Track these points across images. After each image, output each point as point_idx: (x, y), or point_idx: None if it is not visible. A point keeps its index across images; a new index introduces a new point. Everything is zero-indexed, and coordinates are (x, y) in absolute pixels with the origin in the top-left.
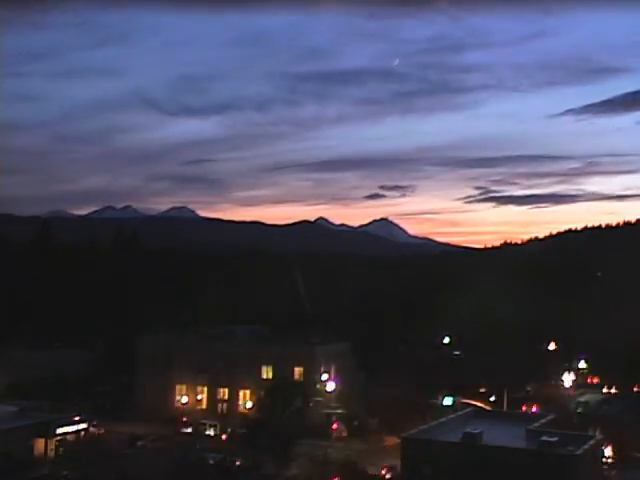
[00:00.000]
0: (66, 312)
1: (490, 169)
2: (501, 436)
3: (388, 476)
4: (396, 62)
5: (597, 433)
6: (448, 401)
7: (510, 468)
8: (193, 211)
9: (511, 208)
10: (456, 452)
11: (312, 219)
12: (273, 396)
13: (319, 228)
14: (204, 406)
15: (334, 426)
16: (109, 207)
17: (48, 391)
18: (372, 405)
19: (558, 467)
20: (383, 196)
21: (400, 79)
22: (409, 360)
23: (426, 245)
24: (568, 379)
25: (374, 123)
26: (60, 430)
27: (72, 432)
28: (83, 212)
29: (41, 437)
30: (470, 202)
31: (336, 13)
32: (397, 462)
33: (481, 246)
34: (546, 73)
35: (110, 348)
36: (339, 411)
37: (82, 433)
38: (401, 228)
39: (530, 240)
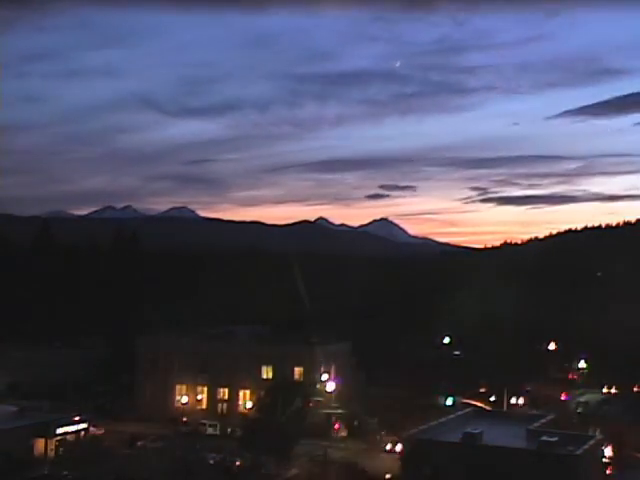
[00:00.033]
0: (66, 312)
1: (490, 170)
2: (501, 436)
3: (388, 476)
4: (397, 64)
5: (597, 433)
6: (448, 401)
7: (510, 468)
8: (193, 211)
9: (511, 208)
10: (456, 452)
11: (312, 219)
12: (273, 396)
13: (319, 228)
14: (204, 406)
15: (334, 426)
16: (109, 207)
17: (48, 391)
18: (372, 405)
19: (558, 467)
20: (383, 196)
21: (401, 80)
22: (409, 360)
23: (426, 245)
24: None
25: (374, 124)
26: (60, 430)
27: (72, 432)
28: (83, 212)
29: (41, 437)
30: (470, 202)
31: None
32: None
33: (481, 246)
34: (546, 74)
35: (110, 348)
36: (339, 411)
37: (82, 433)
38: (401, 228)
39: (530, 240)
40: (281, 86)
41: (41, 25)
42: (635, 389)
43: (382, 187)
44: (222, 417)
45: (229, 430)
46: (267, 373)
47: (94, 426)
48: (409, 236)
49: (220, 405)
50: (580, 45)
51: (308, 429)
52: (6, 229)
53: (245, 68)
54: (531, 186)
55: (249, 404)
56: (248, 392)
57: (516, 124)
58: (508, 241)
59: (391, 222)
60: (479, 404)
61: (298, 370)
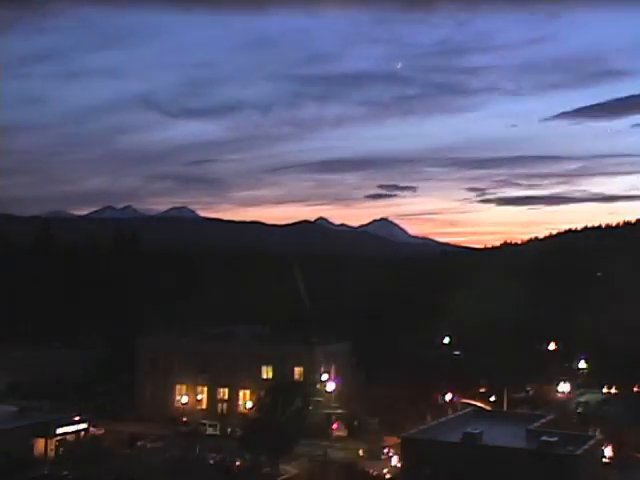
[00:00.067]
0: (66, 312)
1: (490, 170)
2: (501, 436)
3: (388, 476)
4: (399, 65)
5: (597, 433)
6: (449, 401)
7: (510, 468)
8: (193, 211)
9: (511, 208)
10: (456, 452)
11: (312, 219)
12: (273, 396)
13: (319, 228)
14: (204, 406)
15: (334, 426)
16: (109, 207)
17: (48, 391)
18: (372, 405)
19: (558, 467)
20: (383, 196)
21: (401, 82)
22: (409, 360)
23: (426, 245)
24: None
25: (375, 125)
26: (60, 430)
27: (72, 432)
28: (83, 212)
29: (41, 437)
30: (470, 202)
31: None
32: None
33: (481, 246)
34: (547, 76)
35: (110, 348)
36: (339, 411)
37: (82, 433)
38: (401, 228)
39: (530, 240)
40: (282, 87)
41: (42, 26)
42: (635, 389)
43: (382, 187)
44: (222, 417)
45: (229, 430)
46: (267, 373)
47: (94, 426)
48: (409, 236)
49: (220, 405)
50: (582, 46)
51: (308, 429)
52: (6, 229)
53: (246, 69)
54: (531, 186)
55: (249, 404)
56: (248, 392)
57: (514, 126)
58: (508, 241)
59: (391, 222)
60: (479, 404)
61: (298, 370)
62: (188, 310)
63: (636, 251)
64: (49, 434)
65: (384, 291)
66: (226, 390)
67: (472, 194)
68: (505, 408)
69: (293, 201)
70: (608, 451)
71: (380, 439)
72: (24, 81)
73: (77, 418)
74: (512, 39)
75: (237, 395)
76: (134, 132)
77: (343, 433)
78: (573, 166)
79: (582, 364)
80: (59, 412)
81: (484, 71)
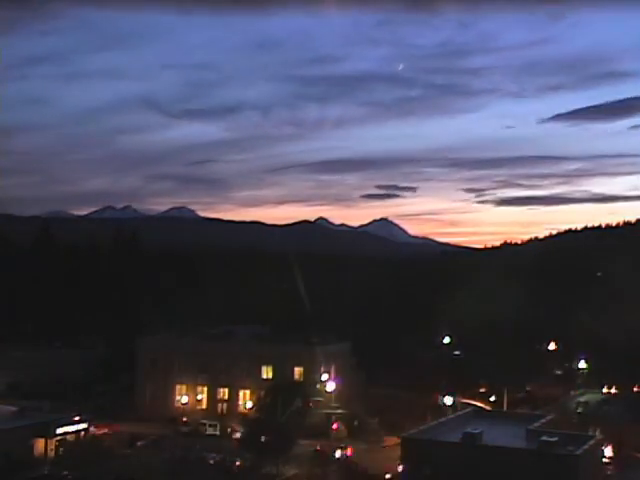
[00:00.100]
0: (66, 312)
1: (490, 170)
2: (501, 436)
3: (388, 476)
4: (400, 67)
5: (597, 433)
6: (449, 401)
7: (510, 468)
8: (193, 211)
9: (511, 209)
10: (456, 452)
11: (312, 219)
12: (273, 396)
13: (319, 228)
14: (204, 406)
15: (334, 426)
16: (109, 207)
17: (48, 391)
18: (372, 405)
19: (558, 467)
20: (383, 196)
21: (402, 83)
22: (409, 360)
23: (426, 245)
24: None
25: (376, 125)
26: (60, 430)
27: (72, 432)
28: (83, 212)
29: (41, 437)
30: (470, 202)
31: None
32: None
33: (481, 246)
34: (548, 77)
35: (110, 348)
36: (339, 411)
37: (82, 433)
38: (401, 228)
39: (530, 240)
40: (283, 88)
41: (43, 27)
42: (635, 389)
43: (382, 187)
44: (222, 417)
45: (229, 430)
46: (267, 373)
47: (94, 426)
48: (409, 236)
49: (220, 405)
50: (583, 47)
51: (308, 429)
52: (6, 229)
53: (247, 70)
54: (531, 187)
55: (249, 404)
56: (248, 392)
57: (511, 127)
58: (508, 241)
59: (391, 222)
60: (479, 404)
61: (298, 370)
62: (188, 310)
63: (636, 251)
64: (49, 434)
65: (384, 291)
66: (226, 390)
67: (472, 194)
68: (505, 408)
69: (293, 201)
70: (608, 451)
71: (380, 439)
72: (25, 82)
73: (77, 418)
74: (513, 40)
75: (237, 395)
76: (135, 133)
77: (343, 433)
78: (573, 166)
79: (582, 364)
80: (59, 412)
81: (485, 72)
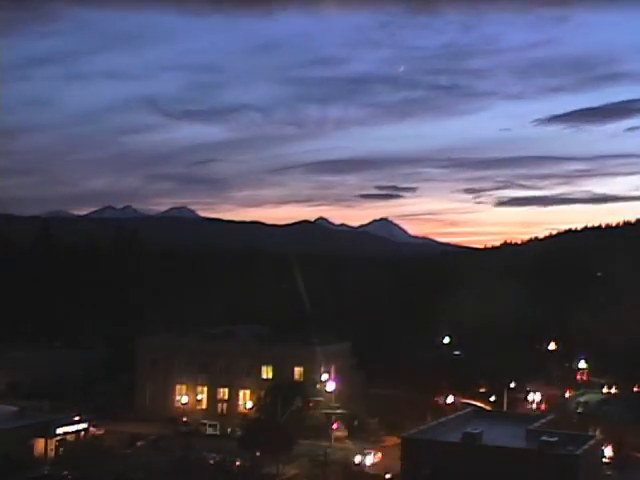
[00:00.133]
0: (66, 312)
1: (490, 171)
2: (501, 436)
3: (388, 476)
4: (401, 69)
5: (597, 433)
6: (448, 401)
7: (510, 468)
8: (193, 211)
9: (511, 209)
10: (456, 452)
11: (312, 219)
12: (273, 396)
13: (319, 228)
14: (204, 406)
15: (334, 426)
16: (109, 207)
17: (48, 391)
18: (372, 405)
19: (558, 467)
20: (384, 196)
21: (403, 84)
22: (409, 360)
23: (426, 245)
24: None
25: (376, 126)
26: (60, 430)
27: (72, 432)
28: (83, 212)
29: (41, 437)
30: (470, 203)
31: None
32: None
33: (481, 246)
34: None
35: (110, 348)
36: (339, 411)
37: (82, 433)
38: (401, 228)
39: (530, 240)
40: (284, 89)
41: (45, 28)
42: (635, 389)
43: (383, 188)
44: (222, 417)
45: (229, 430)
46: (267, 373)
47: (94, 426)
48: (409, 236)
49: (220, 405)
50: (585, 49)
51: (308, 429)
52: (6, 229)
53: (248, 71)
54: (531, 187)
55: (249, 404)
56: (248, 392)
57: (507, 129)
58: (508, 241)
59: (391, 222)
60: (479, 404)
61: (298, 370)
62: (188, 310)
63: (636, 251)
64: (49, 434)
65: (384, 291)
66: (226, 390)
67: (473, 194)
68: (505, 408)
69: (294, 201)
70: (608, 451)
71: (380, 439)
72: (27, 83)
73: (77, 418)
74: (515, 42)
75: (237, 395)
76: (136, 133)
77: (343, 433)
78: (573, 167)
79: (582, 364)
80: (59, 412)
81: (486, 74)
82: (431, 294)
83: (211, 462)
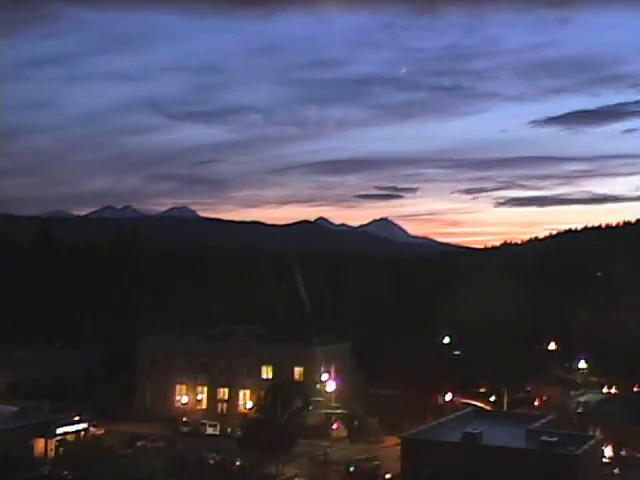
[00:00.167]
0: (66, 312)
1: (491, 172)
2: (501, 436)
3: (388, 476)
4: (403, 70)
5: (597, 433)
6: (448, 397)
7: (510, 468)
8: (193, 211)
9: (511, 209)
10: (456, 452)
11: (312, 219)
12: (273, 396)
13: (319, 228)
14: (204, 406)
15: (334, 426)
16: (109, 207)
17: (48, 391)
18: (372, 405)
19: (558, 467)
20: (384, 197)
21: (404, 86)
22: (409, 360)
23: (426, 245)
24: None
25: (377, 127)
26: (60, 430)
27: (72, 432)
28: (83, 212)
29: (41, 437)
30: (470, 203)
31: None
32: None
33: (481, 246)
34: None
35: (110, 348)
36: (339, 411)
37: (82, 433)
38: (401, 228)
39: (530, 240)
40: (285, 90)
41: (46, 30)
42: (635, 389)
43: (383, 188)
44: (222, 417)
45: (229, 430)
46: (267, 373)
47: (94, 426)
48: (409, 236)
49: (220, 405)
50: (587, 50)
51: (308, 429)
52: (6, 229)
53: (250, 72)
54: (531, 187)
55: (249, 404)
56: (248, 392)
57: (504, 131)
58: (508, 241)
59: (391, 222)
60: (479, 404)
61: (298, 370)
62: (188, 310)
63: (636, 251)
64: (49, 434)
65: (384, 291)
66: (226, 390)
67: (473, 195)
68: (505, 408)
69: (294, 202)
70: (608, 451)
71: (380, 439)
72: (27, 84)
73: (77, 418)
74: (517, 44)
75: (237, 395)
76: (137, 134)
77: (343, 433)
78: (573, 167)
79: (582, 364)
80: (59, 412)
81: (488, 75)
82: (431, 294)
83: (211, 462)
